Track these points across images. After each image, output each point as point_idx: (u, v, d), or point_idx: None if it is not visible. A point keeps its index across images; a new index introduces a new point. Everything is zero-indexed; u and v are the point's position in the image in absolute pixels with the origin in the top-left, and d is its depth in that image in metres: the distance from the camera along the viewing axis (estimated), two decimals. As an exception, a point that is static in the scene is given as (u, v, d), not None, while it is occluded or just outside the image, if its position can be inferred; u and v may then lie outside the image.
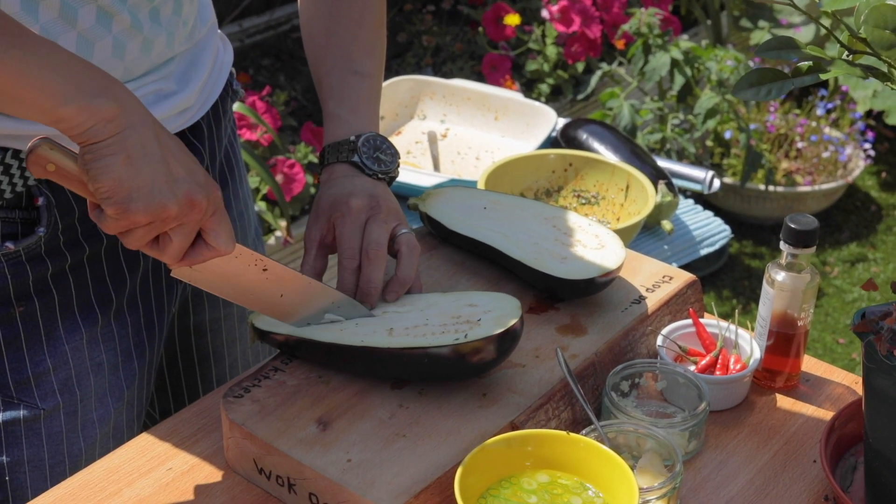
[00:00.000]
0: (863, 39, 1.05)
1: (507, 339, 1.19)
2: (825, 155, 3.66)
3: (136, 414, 1.40)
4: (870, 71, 1.05)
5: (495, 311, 1.21)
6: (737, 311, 1.53)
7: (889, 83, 1.07)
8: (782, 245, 1.29)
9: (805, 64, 1.10)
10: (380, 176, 1.34)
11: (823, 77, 1.09)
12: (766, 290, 1.32)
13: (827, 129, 3.77)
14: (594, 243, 1.38)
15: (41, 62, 0.99)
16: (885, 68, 1.07)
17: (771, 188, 3.61)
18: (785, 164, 3.67)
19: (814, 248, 1.29)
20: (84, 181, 1.04)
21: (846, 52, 1.10)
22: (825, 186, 3.65)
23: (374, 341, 1.20)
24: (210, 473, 1.21)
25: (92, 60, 1.16)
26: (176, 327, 1.48)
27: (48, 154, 1.04)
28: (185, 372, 1.52)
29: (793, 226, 1.27)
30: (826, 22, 3.23)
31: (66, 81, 0.99)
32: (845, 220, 3.84)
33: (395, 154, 1.37)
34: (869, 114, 4.06)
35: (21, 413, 1.28)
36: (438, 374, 1.20)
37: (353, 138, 1.34)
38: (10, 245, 1.21)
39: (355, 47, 1.40)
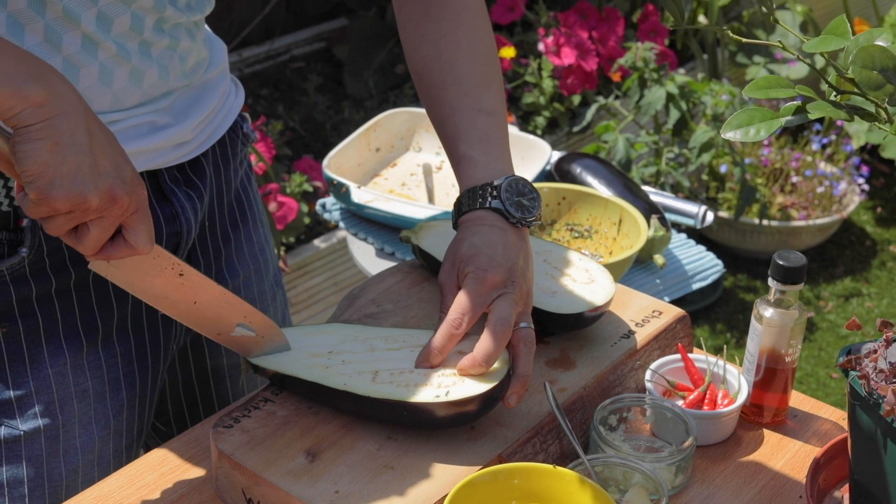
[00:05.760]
0: (850, 80, 1.06)
1: (487, 399, 1.19)
2: (820, 190, 3.68)
3: (126, 445, 1.40)
4: (856, 112, 1.06)
5: None
6: (725, 346, 1.54)
7: (877, 123, 1.08)
8: (770, 281, 1.30)
9: (793, 104, 1.11)
10: (523, 223, 1.29)
11: (811, 118, 1.10)
12: (755, 326, 1.32)
13: (822, 164, 3.79)
14: (584, 278, 1.39)
15: None
16: (871, 108, 1.08)
17: (765, 222, 3.62)
18: (780, 199, 3.69)
19: (801, 285, 1.30)
20: (12, 162, 1.03)
21: (834, 93, 1.11)
22: (820, 221, 3.67)
23: (356, 386, 1.20)
24: (199, 503, 1.21)
25: (78, 85, 1.18)
26: (178, 372, 1.48)
27: None
28: (191, 417, 1.53)
29: (781, 262, 1.28)
30: (820, 60, 3.25)
31: None
32: (840, 254, 3.85)
33: (536, 198, 1.31)
34: (864, 148, 4.08)
35: (1, 434, 1.29)
36: (419, 426, 1.21)
37: (495, 182, 1.29)
38: None
39: (472, 84, 1.35)
